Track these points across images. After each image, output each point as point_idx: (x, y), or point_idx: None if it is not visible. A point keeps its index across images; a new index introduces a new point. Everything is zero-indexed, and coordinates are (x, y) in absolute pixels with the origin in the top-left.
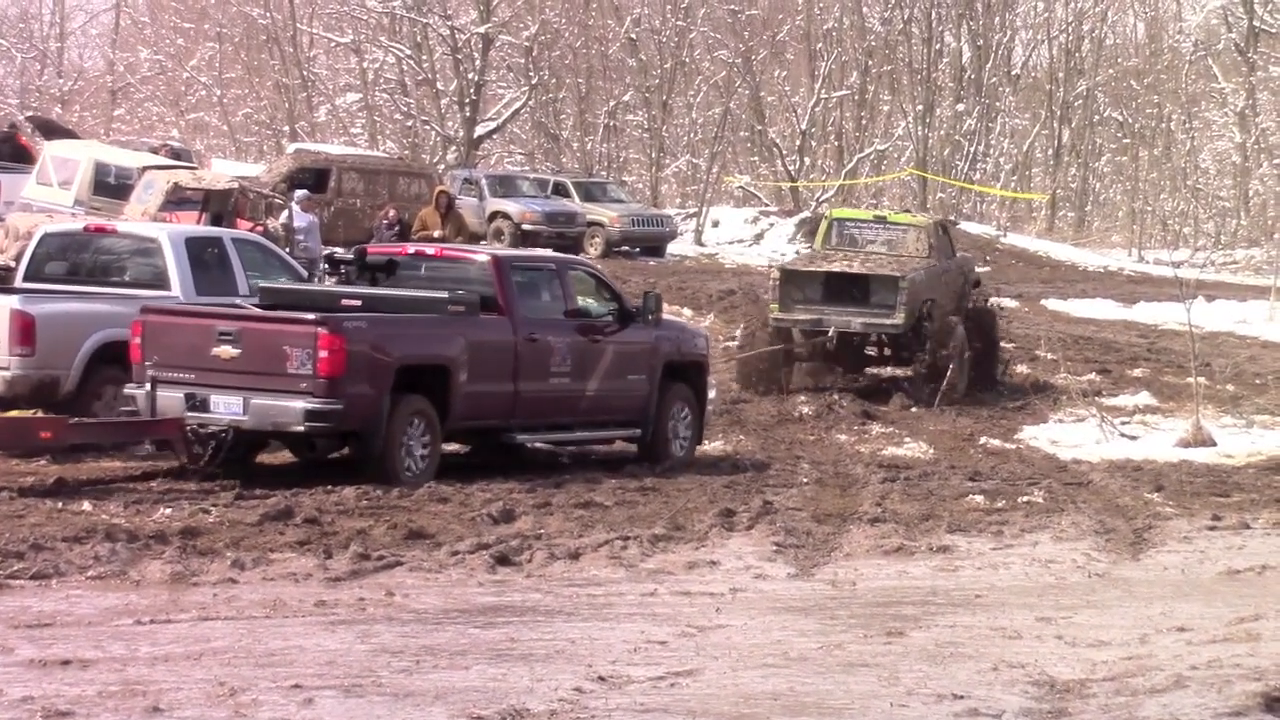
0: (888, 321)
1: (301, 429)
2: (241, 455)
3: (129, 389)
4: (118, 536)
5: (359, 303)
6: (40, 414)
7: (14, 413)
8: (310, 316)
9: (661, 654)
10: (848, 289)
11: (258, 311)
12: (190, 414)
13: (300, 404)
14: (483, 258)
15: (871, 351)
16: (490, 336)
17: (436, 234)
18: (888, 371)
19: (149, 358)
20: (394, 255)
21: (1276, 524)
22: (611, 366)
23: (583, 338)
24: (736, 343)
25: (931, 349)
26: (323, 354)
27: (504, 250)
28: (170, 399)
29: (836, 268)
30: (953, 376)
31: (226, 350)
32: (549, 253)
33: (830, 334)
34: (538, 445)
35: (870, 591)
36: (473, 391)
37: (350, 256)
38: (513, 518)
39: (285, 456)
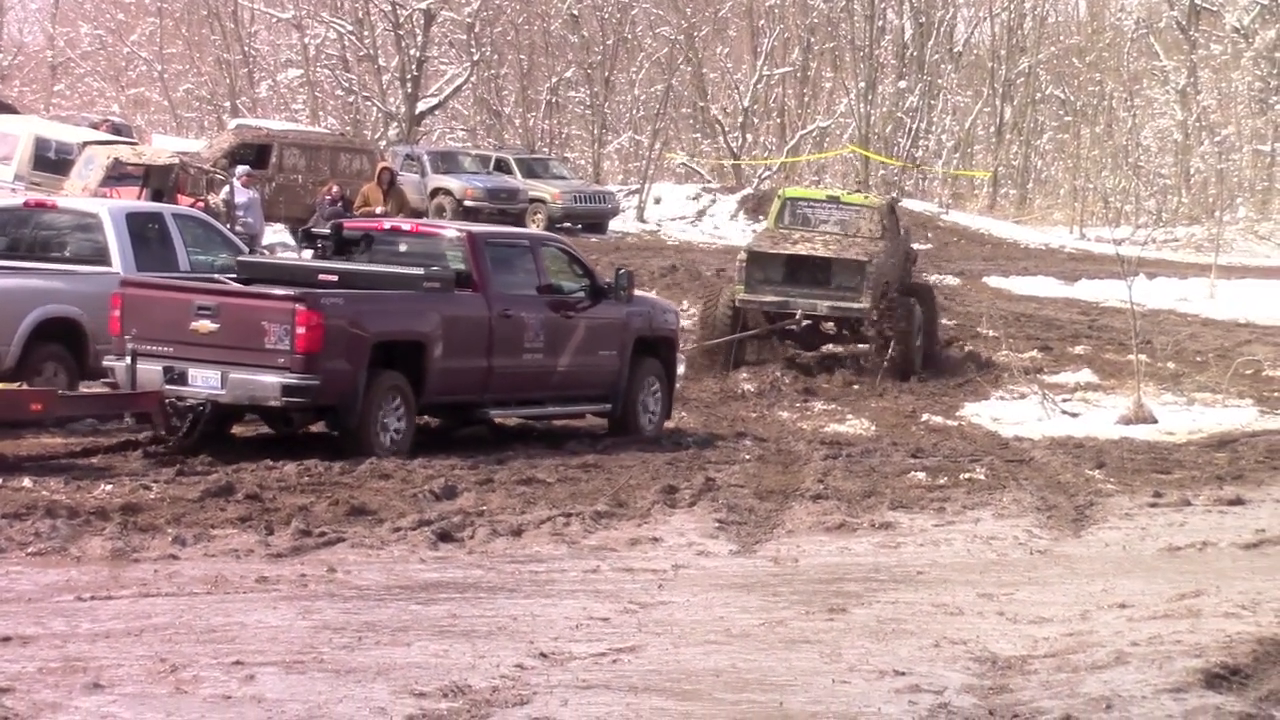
0: (854, 305)
1: (279, 404)
2: (217, 428)
3: (108, 361)
4: (58, 513)
5: (335, 278)
6: (25, 386)
7: (1, 385)
8: (288, 292)
9: (604, 630)
10: (811, 271)
11: (236, 287)
12: (168, 387)
13: (277, 379)
14: (458, 234)
15: (828, 328)
16: (465, 312)
17: (378, 210)
18: (844, 350)
19: (128, 330)
20: (370, 230)
21: (1217, 501)
22: (583, 342)
23: (555, 314)
24: (695, 325)
25: (900, 330)
26: (300, 330)
27: (479, 226)
28: (149, 372)
29: (803, 250)
30: (910, 353)
31: (205, 325)
32: (523, 229)
33: (798, 316)
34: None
35: (812, 568)
36: (447, 367)
37: (327, 231)
38: (455, 494)
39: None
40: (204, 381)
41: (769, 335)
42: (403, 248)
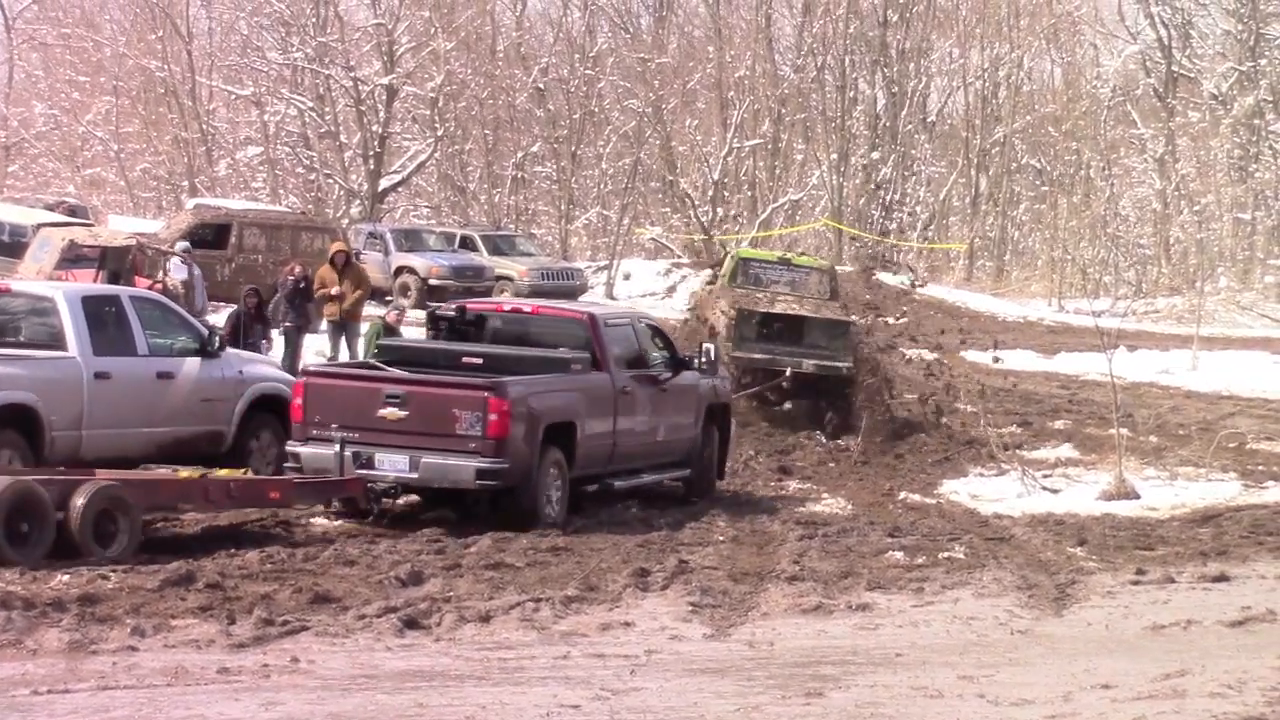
0: (839, 364)
1: (473, 486)
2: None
3: (292, 447)
4: (13, 604)
5: (479, 360)
6: (248, 471)
7: (224, 471)
8: (479, 381)
9: (575, 719)
10: (785, 329)
11: (422, 376)
12: (358, 471)
13: (472, 463)
14: (581, 316)
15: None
16: (599, 390)
17: (334, 290)
18: (792, 405)
19: (311, 418)
20: (489, 311)
21: (1201, 578)
22: (673, 411)
23: (652, 386)
24: None
25: (881, 386)
26: (492, 417)
27: (597, 307)
28: (327, 457)
29: (788, 309)
30: (886, 409)
31: (393, 412)
32: (624, 308)
33: (787, 373)
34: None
35: (788, 651)
36: (590, 442)
37: (451, 312)
38: (421, 580)
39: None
40: (391, 465)
41: (764, 391)
42: (523, 328)
